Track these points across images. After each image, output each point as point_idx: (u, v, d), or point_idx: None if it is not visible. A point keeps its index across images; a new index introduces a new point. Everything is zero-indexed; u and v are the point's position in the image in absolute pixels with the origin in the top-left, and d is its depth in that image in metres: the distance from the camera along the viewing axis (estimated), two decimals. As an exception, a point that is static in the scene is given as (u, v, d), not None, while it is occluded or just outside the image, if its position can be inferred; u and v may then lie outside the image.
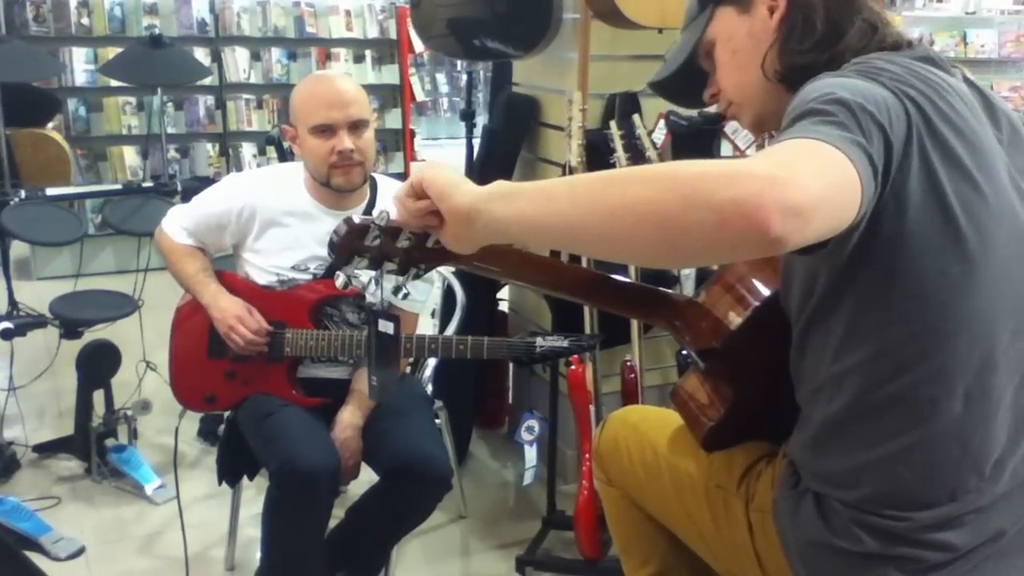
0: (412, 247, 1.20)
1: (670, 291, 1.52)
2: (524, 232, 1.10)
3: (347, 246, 1.18)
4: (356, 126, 2.27)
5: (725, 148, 2.98)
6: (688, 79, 1.48)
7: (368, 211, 2.37)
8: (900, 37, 1.32)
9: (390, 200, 2.40)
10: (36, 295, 4.17)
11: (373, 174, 2.43)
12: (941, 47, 6.35)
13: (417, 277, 1.24)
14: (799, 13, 1.31)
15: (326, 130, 2.25)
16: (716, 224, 0.93)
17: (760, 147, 3.22)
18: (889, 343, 1.20)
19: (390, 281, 1.26)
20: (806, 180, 0.95)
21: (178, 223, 2.43)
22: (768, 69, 1.34)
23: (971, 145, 1.18)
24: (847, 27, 1.30)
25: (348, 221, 1.18)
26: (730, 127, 2.93)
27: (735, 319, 1.41)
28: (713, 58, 1.42)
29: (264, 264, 2.37)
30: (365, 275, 1.27)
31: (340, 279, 1.24)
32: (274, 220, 2.35)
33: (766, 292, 1.41)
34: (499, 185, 1.12)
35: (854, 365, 1.22)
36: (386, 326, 1.46)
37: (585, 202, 1.03)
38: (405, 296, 1.29)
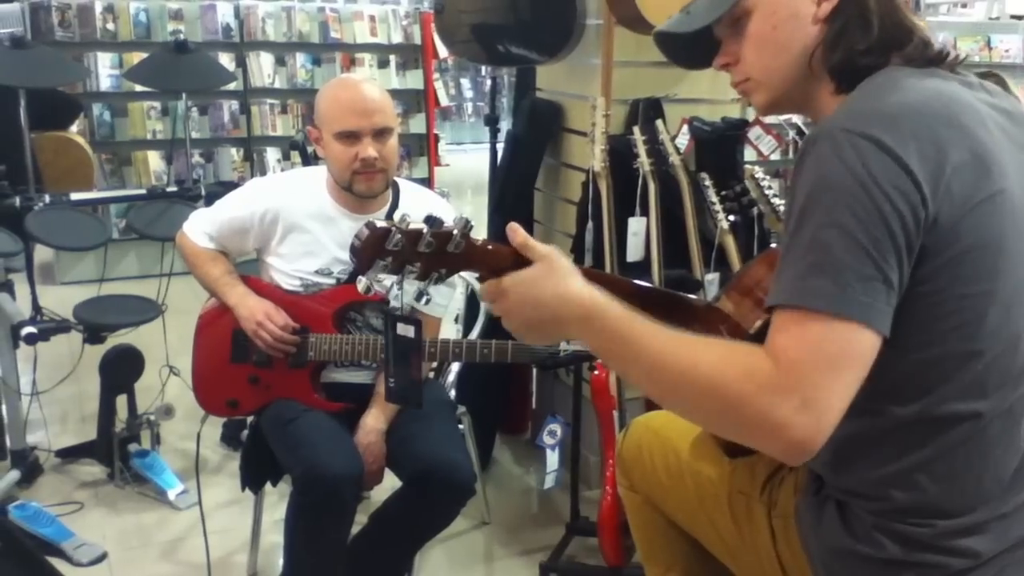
0: (433, 252, 1.19)
1: (691, 296, 1.50)
2: None
3: (368, 251, 1.17)
4: (380, 133, 2.26)
5: (749, 153, 2.96)
6: (698, 40, 1.40)
7: (390, 215, 2.37)
8: (943, 50, 1.29)
9: (413, 205, 2.42)
10: (60, 299, 4.18)
11: (395, 178, 2.42)
12: (965, 52, 6.29)
13: (438, 282, 1.23)
14: (854, 8, 1.27)
15: (350, 136, 2.25)
16: (755, 445, 1.16)
17: (784, 152, 3.21)
18: (910, 367, 1.19)
19: (412, 286, 1.25)
20: (828, 417, 1.09)
21: (200, 228, 2.44)
22: (817, 63, 1.29)
23: (985, 167, 1.16)
24: (905, 41, 1.27)
25: (369, 225, 1.17)
26: (753, 133, 2.91)
27: (754, 322, 1.39)
28: (740, 27, 1.35)
29: (288, 268, 2.37)
30: (388, 279, 1.27)
31: (362, 283, 1.23)
32: (296, 224, 2.36)
33: None
34: (582, 335, 1.25)
35: (874, 388, 1.20)
36: (406, 329, 1.44)
37: (652, 391, 1.21)
38: (427, 301, 1.28)
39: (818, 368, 1.09)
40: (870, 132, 1.13)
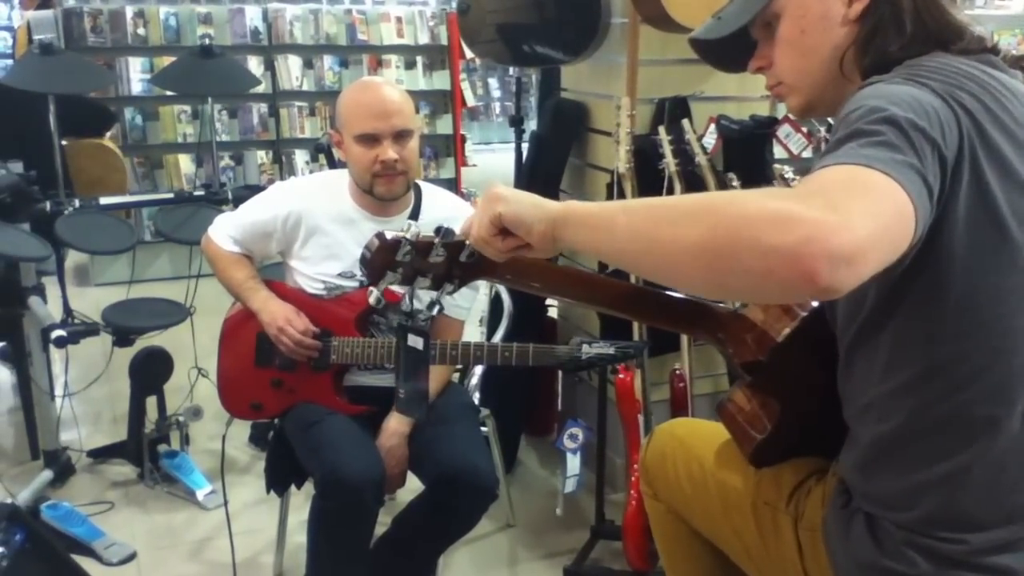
0: (445, 262, 1.18)
1: (715, 303, 1.48)
2: (592, 256, 1.17)
3: (378, 262, 1.16)
4: (400, 136, 2.26)
5: (777, 151, 2.92)
6: (735, 43, 1.39)
7: (412, 218, 2.37)
8: (983, 38, 1.26)
9: (435, 208, 2.41)
10: (93, 301, 4.23)
11: (418, 181, 2.42)
12: (1003, 46, 6.18)
13: (451, 293, 1.22)
14: (886, 8, 1.24)
15: (370, 139, 2.25)
16: (763, 272, 0.91)
17: (816, 150, 3.18)
18: (941, 361, 1.16)
19: (426, 295, 1.25)
20: (856, 222, 0.90)
21: (224, 232, 2.45)
22: (848, 65, 1.27)
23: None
24: (953, 40, 1.23)
25: (379, 236, 1.16)
26: (782, 131, 2.87)
27: (781, 331, 1.37)
28: (772, 30, 1.33)
29: (311, 272, 2.38)
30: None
31: (373, 296, 1.23)
32: (319, 227, 2.36)
33: (813, 303, 1.38)
34: (568, 211, 1.13)
35: (904, 384, 1.18)
36: (415, 341, 1.44)
37: (641, 238, 1.03)
38: (440, 311, 1.27)
39: (845, 189, 0.95)
40: (919, 78, 1.12)
